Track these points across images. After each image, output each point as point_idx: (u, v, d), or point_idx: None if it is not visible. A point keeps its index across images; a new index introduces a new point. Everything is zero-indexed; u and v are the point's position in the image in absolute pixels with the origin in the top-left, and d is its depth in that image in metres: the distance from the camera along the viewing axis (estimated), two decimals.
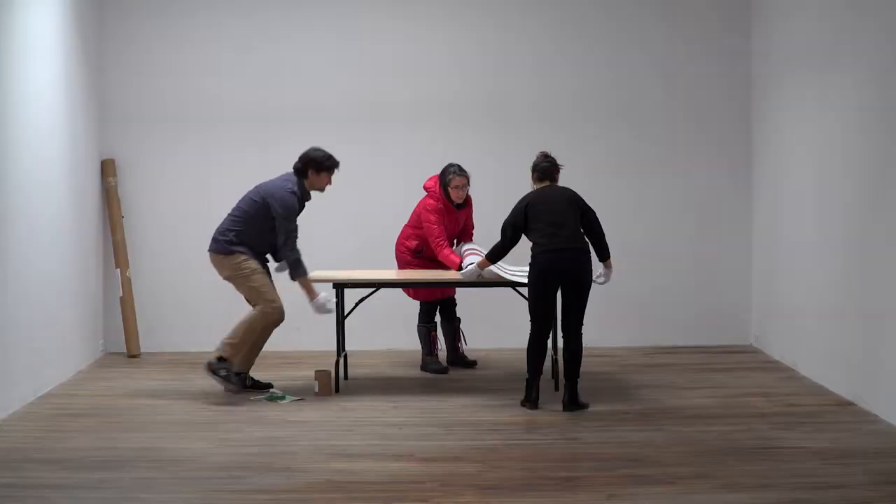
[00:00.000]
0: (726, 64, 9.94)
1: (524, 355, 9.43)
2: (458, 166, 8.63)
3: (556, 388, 8.00)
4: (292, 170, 8.01)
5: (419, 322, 8.92)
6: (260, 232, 7.86)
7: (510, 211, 7.69)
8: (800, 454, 6.39)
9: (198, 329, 9.80)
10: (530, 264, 7.55)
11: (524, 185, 9.84)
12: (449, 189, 8.57)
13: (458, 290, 9.17)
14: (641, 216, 9.95)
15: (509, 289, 8.23)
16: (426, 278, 8.35)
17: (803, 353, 8.62)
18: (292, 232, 7.85)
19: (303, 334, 9.38)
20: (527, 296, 7.64)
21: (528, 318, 7.58)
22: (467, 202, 8.79)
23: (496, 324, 9.86)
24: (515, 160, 9.91)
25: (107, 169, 9.75)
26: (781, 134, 9.14)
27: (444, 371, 8.79)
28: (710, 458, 6.30)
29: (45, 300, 8.19)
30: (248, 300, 7.96)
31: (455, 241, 8.77)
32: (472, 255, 8.20)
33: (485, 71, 9.95)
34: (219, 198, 9.82)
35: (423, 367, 8.85)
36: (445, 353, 9.00)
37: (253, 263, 7.83)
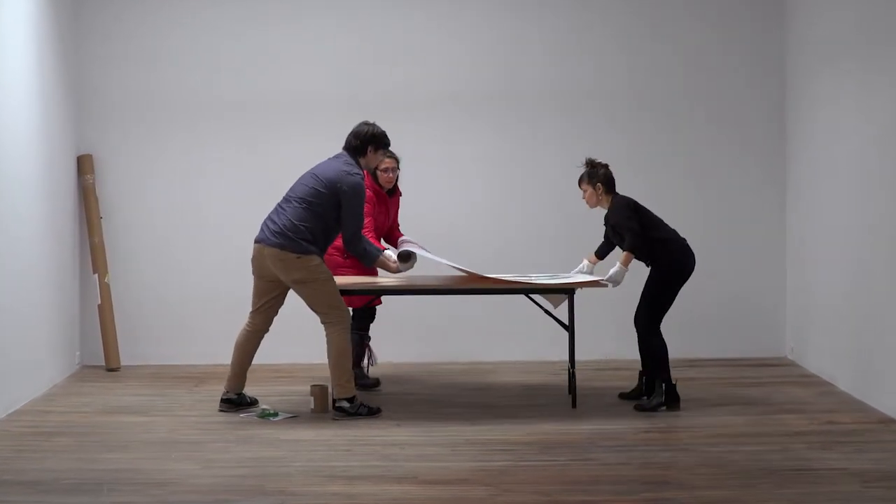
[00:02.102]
0: (758, 56, 9.93)
1: (536, 367, 9.55)
2: (387, 149, 8.63)
3: (574, 406, 8.00)
4: (343, 150, 7.90)
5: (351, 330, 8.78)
6: (328, 227, 7.74)
7: (619, 212, 7.92)
8: (839, 476, 6.37)
9: (183, 340, 9.82)
10: (674, 259, 7.92)
11: (536, 179, 9.95)
12: (378, 172, 8.55)
13: (466, 298, 9.19)
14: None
15: (523, 298, 8.23)
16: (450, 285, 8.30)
17: (842, 367, 8.62)
18: (360, 221, 7.74)
19: (302, 348, 9.40)
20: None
21: (553, 326, 7.67)
22: (396, 191, 8.78)
23: (507, 335, 9.88)
24: (528, 154, 9.96)
25: (84, 165, 9.77)
26: (817, 132, 9.13)
27: (374, 385, 8.75)
28: (740, 481, 6.29)
29: (15, 308, 8.21)
30: (312, 307, 7.81)
31: (384, 238, 8.70)
32: (410, 246, 8.15)
33: (497, 59, 9.95)
34: (206, 196, 9.89)
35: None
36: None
37: (325, 268, 7.77)
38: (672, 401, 7.97)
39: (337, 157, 7.87)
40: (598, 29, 9.96)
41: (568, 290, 8.00)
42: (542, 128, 9.93)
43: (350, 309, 8.25)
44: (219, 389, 8.17)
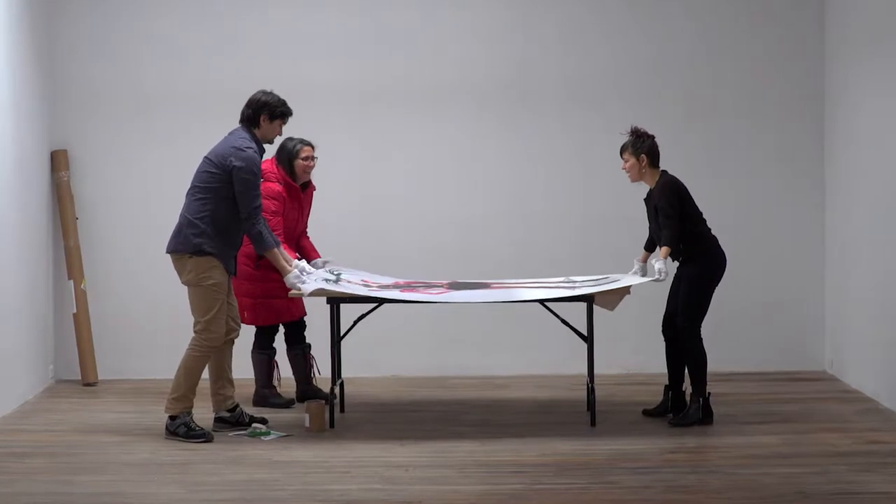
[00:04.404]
0: (795, 44, 9.93)
1: (552, 381, 9.56)
2: (302, 137, 8.63)
3: (593, 423, 8.02)
4: (239, 124, 7.93)
5: (255, 349, 8.76)
6: (231, 215, 7.73)
7: (665, 197, 7.94)
8: (883, 501, 6.39)
9: (166, 352, 9.75)
10: (710, 256, 8.02)
11: (552, 177, 9.96)
12: (296, 161, 8.57)
13: (476, 307, 9.19)
14: None
15: (539, 307, 8.24)
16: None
17: (886, 381, 8.63)
18: (257, 198, 7.74)
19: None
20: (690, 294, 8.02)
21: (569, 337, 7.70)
22: (310, 185, 8.81)
23: (521, 346, 9.88)
24: (543, 151, 9.97)
25: (58, 162, 9.80)
26: (860, 127, 9.12)
27: (288, 404, 8.73)
28: None
29: None
30: (192, 313, 7.86)
31: (296, 243, 8.72)
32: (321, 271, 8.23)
33: (509, 45, 9.96)
34: None
35: (262, 402, 8.72)
36: (292, 386, 8.95)
37: (218, 275, 7.74)
38: (705, 415, 8.01)
39: (231, 133, 7.92)
40: (621, 13, 9.96)
41: (588, 298, 8.02)
42: (559, 121, 9.94)
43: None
44: (205, 406, 8.18)
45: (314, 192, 8.89)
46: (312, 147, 8.67)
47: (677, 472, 6.95)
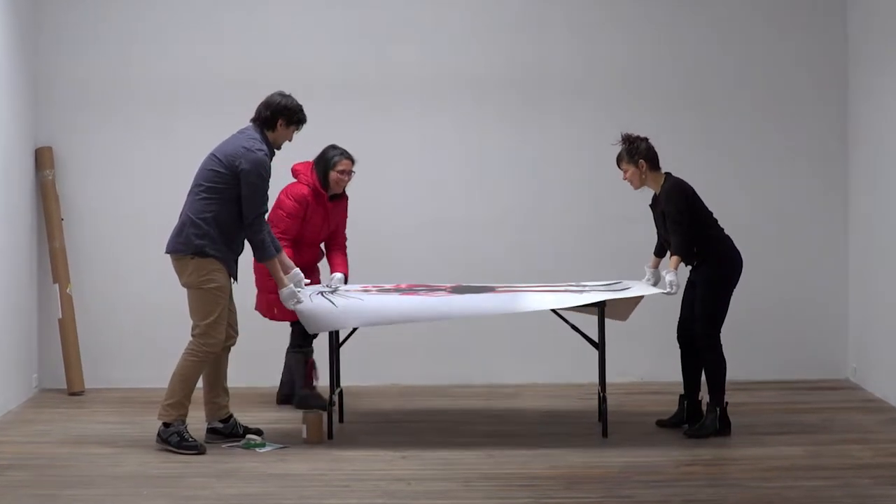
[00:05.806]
0: (817, 38, 9.93)
1: (561, 390, 9.55)
2: (345, 149, 8.66)
3: (605, 434, 7.99)
4: (251, 123, 7.88)
5: (290, 347, 8.85)
6: (239, 216, 7.71)
7: (673, 202, 7.90)
8: None
9: (156, 359, 9.77)
10: (724, 258, 7.97)
11: (562, 177, 9.94)
12: (332, 173, 8.61)
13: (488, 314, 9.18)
14: None
15: (546, 312, 8.22)
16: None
17: None
18: (263, 204, 7.73)
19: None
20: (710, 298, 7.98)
21: (582, 344, 7.74)
22: (343, 197, 8.83)
23: (529, 354, 9.87)
24: (553, 149, 9.96)
25: (42, 159, 9.79)
26: (883, 124, 9.11)
27: (325, 406, 8.70)
28: None
29: None
30: (192, 316, 7.85)
31: (323, 251, 8.76)
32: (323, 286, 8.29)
33: (516, 38, 9.95)
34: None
35: (300, 404, 8.76)
36: (286, 387, 9.01)
37: (221, 278, 7.74)
38: (722, 426, 7.98)
39: (241, 131, 7.89)
40: (632, 8, 9.95)
41: (599, 305, 8.01)
42: (563, 120, 9.92)
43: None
44: (197, 416, 8.16)
45: (347, 202, 8.92)
46: (352, 162, 8.69)
47: (694, 486, 6.93)
